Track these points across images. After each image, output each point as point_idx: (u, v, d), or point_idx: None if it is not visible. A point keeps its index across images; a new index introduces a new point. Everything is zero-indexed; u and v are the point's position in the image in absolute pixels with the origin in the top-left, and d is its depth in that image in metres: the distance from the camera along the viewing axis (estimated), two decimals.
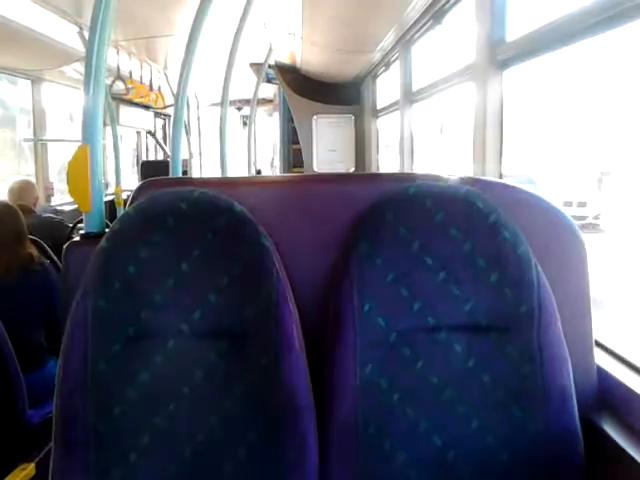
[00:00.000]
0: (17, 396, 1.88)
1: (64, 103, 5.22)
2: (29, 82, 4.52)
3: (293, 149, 5.43)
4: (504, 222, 1.03)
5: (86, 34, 1.28)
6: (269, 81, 5.77)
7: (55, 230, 3.23)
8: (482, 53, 1.87)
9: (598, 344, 1.20)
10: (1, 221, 2.25)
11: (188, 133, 6.99)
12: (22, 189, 3.30)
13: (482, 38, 1.87)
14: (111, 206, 4.26)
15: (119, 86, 4.53)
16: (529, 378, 1.01)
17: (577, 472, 1.00)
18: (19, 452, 1.85)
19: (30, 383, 1.95)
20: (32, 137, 4.65)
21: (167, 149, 7.39)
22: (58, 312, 2.28)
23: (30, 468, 1.80)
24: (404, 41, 3.34)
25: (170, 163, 2.86)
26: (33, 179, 4.30)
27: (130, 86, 4.76)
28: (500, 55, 1.79)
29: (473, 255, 1.03)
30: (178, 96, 2.69)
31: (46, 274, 2.32)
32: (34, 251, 2.34)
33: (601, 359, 1.16)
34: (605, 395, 1.11)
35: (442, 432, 1.00)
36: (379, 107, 4.60)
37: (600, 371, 1.13)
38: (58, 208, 4.41)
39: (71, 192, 1.28)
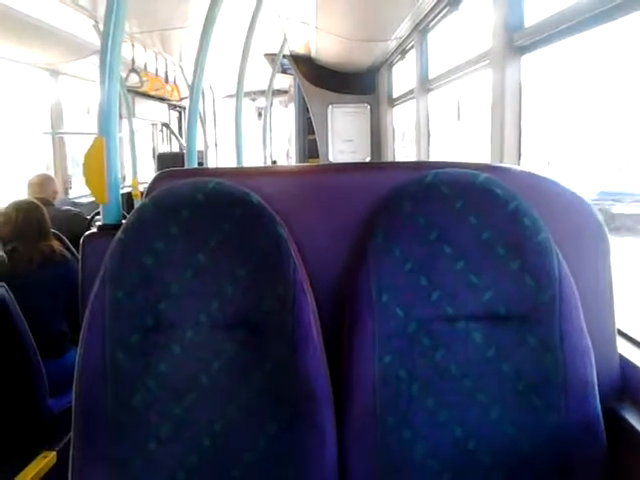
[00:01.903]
0: (38, 385, 1.91)
1: (81, 96, 5.25)
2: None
3: (309, 139, 5.41)
4: (524, 209, 1.02)
5: (101, 27, 1.28)
6: (284, 72, 5.75)
7: (73, 222, 3.27)
8: (500, 39, 1.84)
9: (621, 333, 1.18)
10: (24, 217, 2.34)
11: (203, 125, 7.00)
12: (41, 183, 3.36)
13: (499, 24, 1.84)
14: (128, 198, 4.29)
15: (134, 79, 4.54)
16: (550, 368, 0.99)
17: (599, 462, 0.99)
18: (41, 440, 1.89)
19: (51, 372, 1.99)
20: (50, 130, 4.69)
21: (183, 141, 7.41)
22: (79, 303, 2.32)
23: (51, 456, 1.83)
24: (420, 28, 3.30)
25: (186, 155, 2.87)
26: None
27: (145, 79, 4.77)
28: (518, 41, 1.76)
29: (492, 243, 1.01)
30: (193, 88, 2.70)
31: (67, 266, 2.38)
32: (57, 244, 2.41)
33: (624, 348, 1.14)
34: (628, 385, 1.10)
35: (462, 422, 1.00)
36: (395, 96, 4.57)
37: (623, 360, 1.11)
38: (76, 201, 4.45)
39: (88, 184, 1.29)
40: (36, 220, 2.37)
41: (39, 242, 2.33)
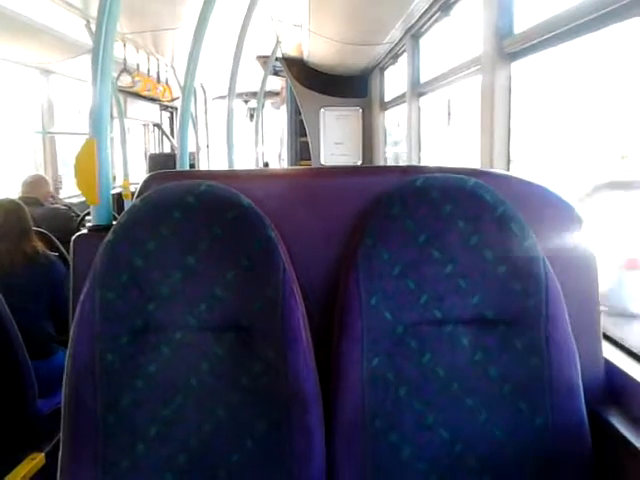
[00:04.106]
0: (27, 386, 1.90)
1: (73, 95, 5.23)
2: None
3: (300, 142, 5.42)
4: (512, 215, 1.03)
5: (93, 27, 1.29)
6: (276, 74, 5.76)
7: (66, 221, 3.27)
8: (490, 45, 1.86)
9: (606, 337, 1.19)
10: (6, 216, 2.30)
11: (195, 126, 6.99)
12: (34, 183, 3.36)
13: (490, 30, 1.86)
14: (119, 199, 4.28)
15: (126, 79, 4.53)
16: (536, 371, 1.01)
17: (584, 465, 1.00)
18: (29, 442, 1.87)
19: (38, 373, 1.98)
20: (41, 129, 4.67)
21: (174, 142, 7.40)
22: (66, 303, 2.31)
23: (40, 458, 1.81)
24: (412, 33, 3.32)
25: (177, 156, 2.87)
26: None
27: (137, 79, 4.76)
28: (508, 47, 1.78)
29: (480, 248, 1.02)
30: (185, 89, 2.70)
31: (51, 266, 2.35)
32: (39, 244, 2.37)
33: (609, 352, 1.16)
34: (612, 388, 1.11)
35: (449, 425, 1.01)
36: (387, 100, 4.59)
37: (608, 364, 1.13)
38: (67, 201, 4.44)
39: (79, 185, 1.29)
40: (17, 220, 2.32)
41: (21, 242, 2.29)
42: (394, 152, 4.79)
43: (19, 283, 2.22)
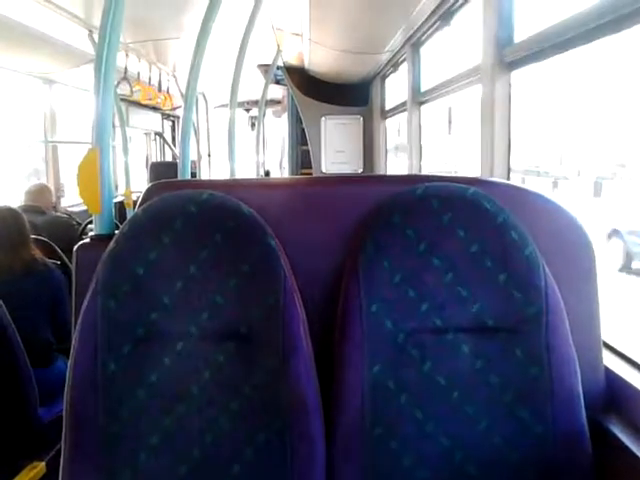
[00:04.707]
0: (28, 394, 1.90)
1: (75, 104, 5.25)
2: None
3: (302, 150, 5.43)
4: (512, 223, 1.03)
5: (96, 37, 1.29)
6: (277, 82, 5.77)
7: (68, 230, 3.28)
8: (489, 54, 1.87)
9: (606, 345, 1.19)
10: (4, 224, 2.29)
11: (197, 134, 7.01)
12: (38, 192, 3.38)
13: (489, 39, 1.86)
14: (121, 208, 4.29)
15: (125, 87, 4.55)
16: (537, 379, 1.01)
17: (585, 474, 1.00)
18: (30, 450, 1.87)
19: (39, 381, 1.97)
20: (43, 139, 4.68)
21: (176, 150, 7.42)
22: (65, 312, 2.32)
23: (40, 467, 1.81)
24: (412, 42, 3.33)
25: (179, 164, 2.88)
26: None
27: (137, 88, 4.77)
28: (508, 56, 1.78)
29: (481, 256, 1.03)
30: (187, 97, 2.71)
31: (50, 275, 2.35)
32: (38, 252, 2.38)
33: (609, 361, 1.16)
34: (613, 397, 1.11)
35: (450, 433, 1.01)
36: (387, 108, 4.60)
37: (608, 373, 1.13)
38: (69, 209, 4.45)
39: (81, 194, 1.29)
40: (15, 227, 2.33)
41: (19, 250, 2.30)
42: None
43: (18, 291, 2.22)
